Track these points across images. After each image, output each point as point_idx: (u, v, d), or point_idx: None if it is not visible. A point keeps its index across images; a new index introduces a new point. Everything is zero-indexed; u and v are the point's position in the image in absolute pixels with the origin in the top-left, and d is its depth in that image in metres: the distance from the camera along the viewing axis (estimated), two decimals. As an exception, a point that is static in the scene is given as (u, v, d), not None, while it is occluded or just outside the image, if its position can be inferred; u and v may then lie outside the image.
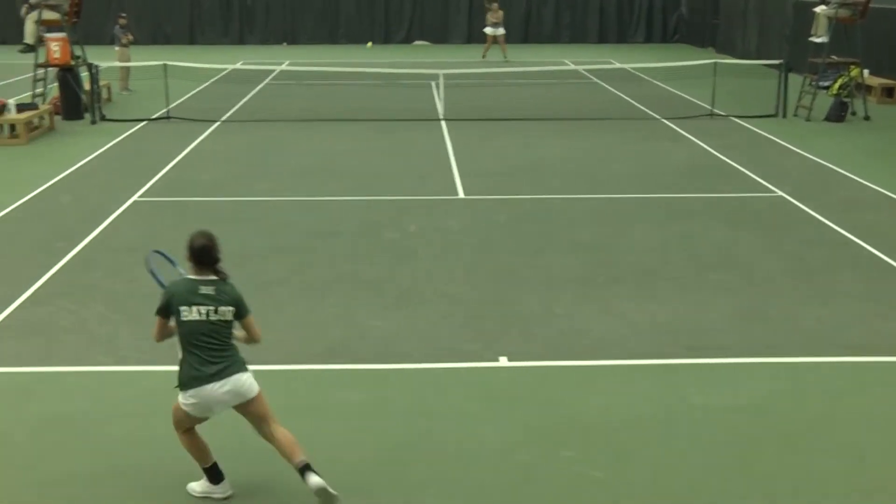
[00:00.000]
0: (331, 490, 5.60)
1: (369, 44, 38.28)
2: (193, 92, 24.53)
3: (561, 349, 8.33)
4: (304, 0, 39.88)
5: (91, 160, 16.23)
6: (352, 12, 39.98)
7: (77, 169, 15.51)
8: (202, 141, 17.95)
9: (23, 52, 22.07)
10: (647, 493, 6.07)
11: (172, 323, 5.72)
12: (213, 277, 5.72)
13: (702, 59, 24.52)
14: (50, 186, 14.24)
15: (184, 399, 5.72)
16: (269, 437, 5.84)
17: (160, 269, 6.12)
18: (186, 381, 5.68)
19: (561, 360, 8.11)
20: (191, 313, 5.63)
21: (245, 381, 5.76)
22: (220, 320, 5.68)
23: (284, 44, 39.69)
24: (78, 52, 21.04)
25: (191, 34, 40.05)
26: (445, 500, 6.00)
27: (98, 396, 7.43)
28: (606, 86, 25.78)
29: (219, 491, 5.94)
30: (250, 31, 40.27)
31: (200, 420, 5.86)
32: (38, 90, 20.79)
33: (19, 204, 13.18)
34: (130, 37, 25.01)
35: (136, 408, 7.18)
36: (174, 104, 21.44)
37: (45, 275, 10.13)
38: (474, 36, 39.88)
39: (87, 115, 20.13)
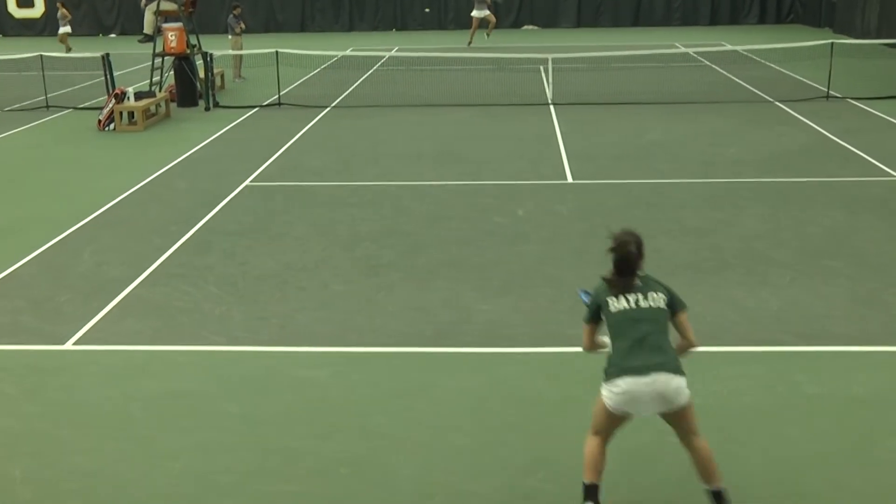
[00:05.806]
0: None
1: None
2: (304, 79, 24.92)
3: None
4: (414, -14, 40.13)
5: (205, 146, 16.64)
6: (461, -3, 40.09)
7: (191, 154, 15.92)
8: (313, 127, 18.22)
9: (141, 41, 22.83)
10: (758, 481, 5.96)
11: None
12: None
13: (818, 40, 23.84)
14: (166, 171, 14.65)
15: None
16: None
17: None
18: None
19: (669, 345, 7.98)
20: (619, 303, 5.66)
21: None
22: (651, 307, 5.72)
23: (394, 30, 39.98)
24: (193, 41, 21.57)
25: (302, 22, 40.71)
26: (553, 483, 6.00)
27: (211, 375, 7.63)
28: (718, 68, 25.30)
29: None
30: (360, 19, 40.70)
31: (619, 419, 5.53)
32: (156, 79, 21.40)
33: (137, 188, 13.59)
34: (243, 25, 25.49)
35: (247, 386, 7.35)
36: (285, 91, 21.81)
37: (160, 257, 10.44)
38: (584, 20, 39.64)
39: (202, 103, 20.65)
